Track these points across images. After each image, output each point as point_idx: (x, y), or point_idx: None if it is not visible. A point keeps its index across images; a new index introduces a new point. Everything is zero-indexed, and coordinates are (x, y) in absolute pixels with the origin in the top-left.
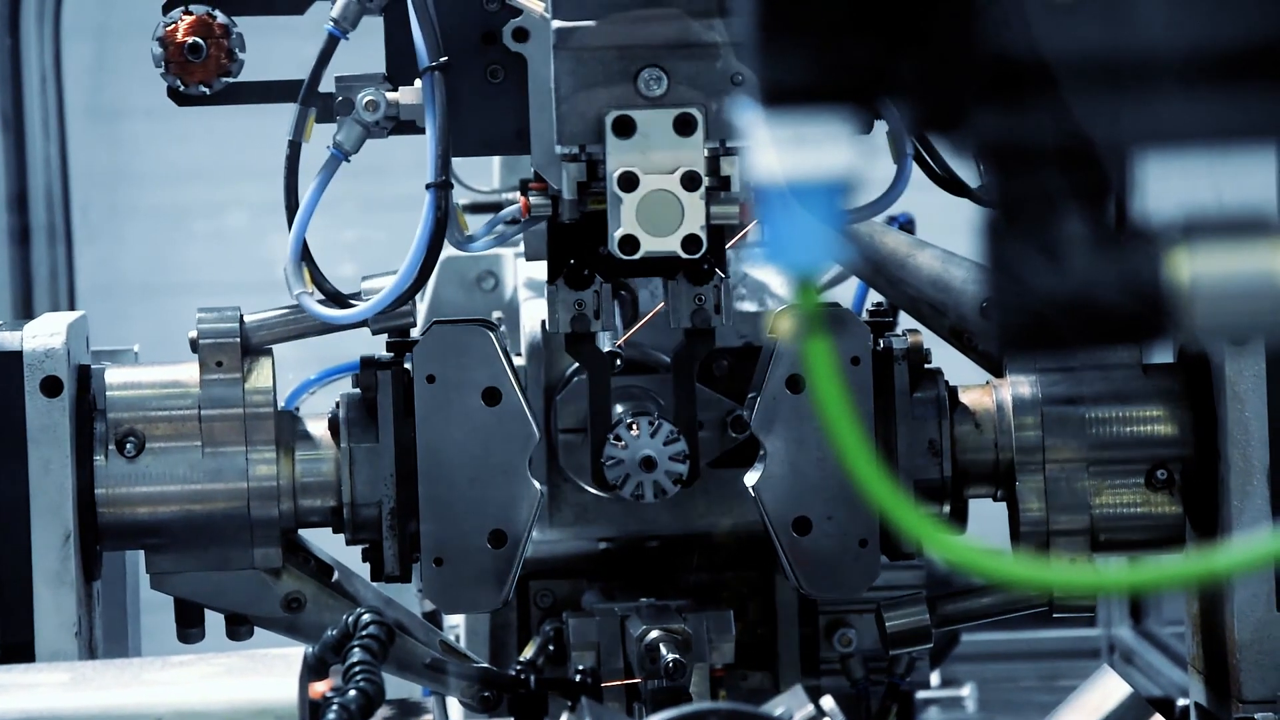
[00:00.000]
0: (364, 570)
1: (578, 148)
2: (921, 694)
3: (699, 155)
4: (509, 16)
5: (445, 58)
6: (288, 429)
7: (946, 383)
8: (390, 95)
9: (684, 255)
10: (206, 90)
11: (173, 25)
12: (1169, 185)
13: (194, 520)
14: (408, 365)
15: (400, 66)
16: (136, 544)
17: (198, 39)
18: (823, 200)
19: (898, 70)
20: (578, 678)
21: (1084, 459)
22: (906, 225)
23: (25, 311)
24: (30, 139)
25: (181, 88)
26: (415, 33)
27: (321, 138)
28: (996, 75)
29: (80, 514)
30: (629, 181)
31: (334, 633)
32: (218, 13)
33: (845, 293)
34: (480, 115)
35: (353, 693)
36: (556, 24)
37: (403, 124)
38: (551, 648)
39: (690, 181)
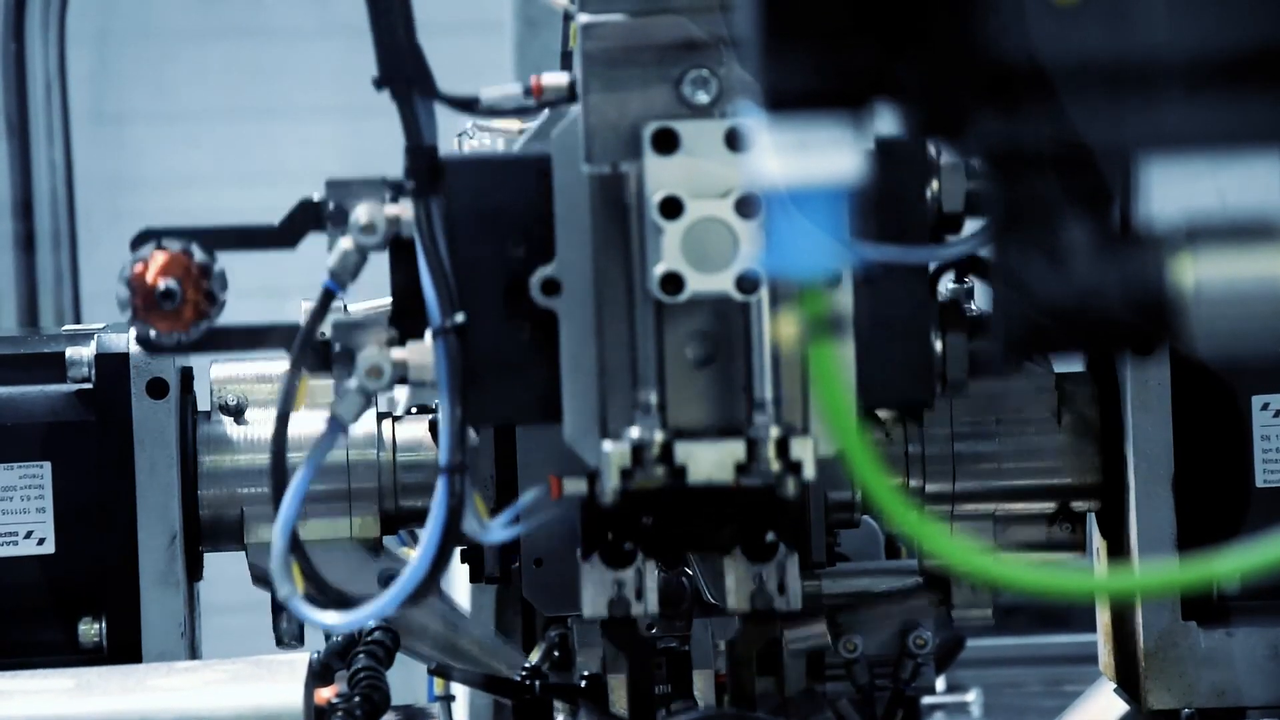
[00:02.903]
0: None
1: (609, 166)
2: (927, 699)
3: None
4: (536, 264)
5: (461, 317)
6: (388, 430)
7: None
8: (396, 354)
9: (738, 296)
10: (182, 338)
11: (141, 265)
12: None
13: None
14: None
15: (408, 313)
16: (239, 544)
17: (171, 283)
18: (826, 206)
19: (900, 75)
20: (583, 683)
21: (990, 509)
22: None
23: (30, 318)
24: (35, 145)
25: (152, 335)
26: (425, 286)
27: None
28: (999, 80)
29: (185, 515)
30: (673, 207)
31: (339, 639)
32: (194, 249)
33: None
34: (502, 380)
35: (358, 699)
36: (584, 18)
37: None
38: (557, 653)
39: (745, 206)
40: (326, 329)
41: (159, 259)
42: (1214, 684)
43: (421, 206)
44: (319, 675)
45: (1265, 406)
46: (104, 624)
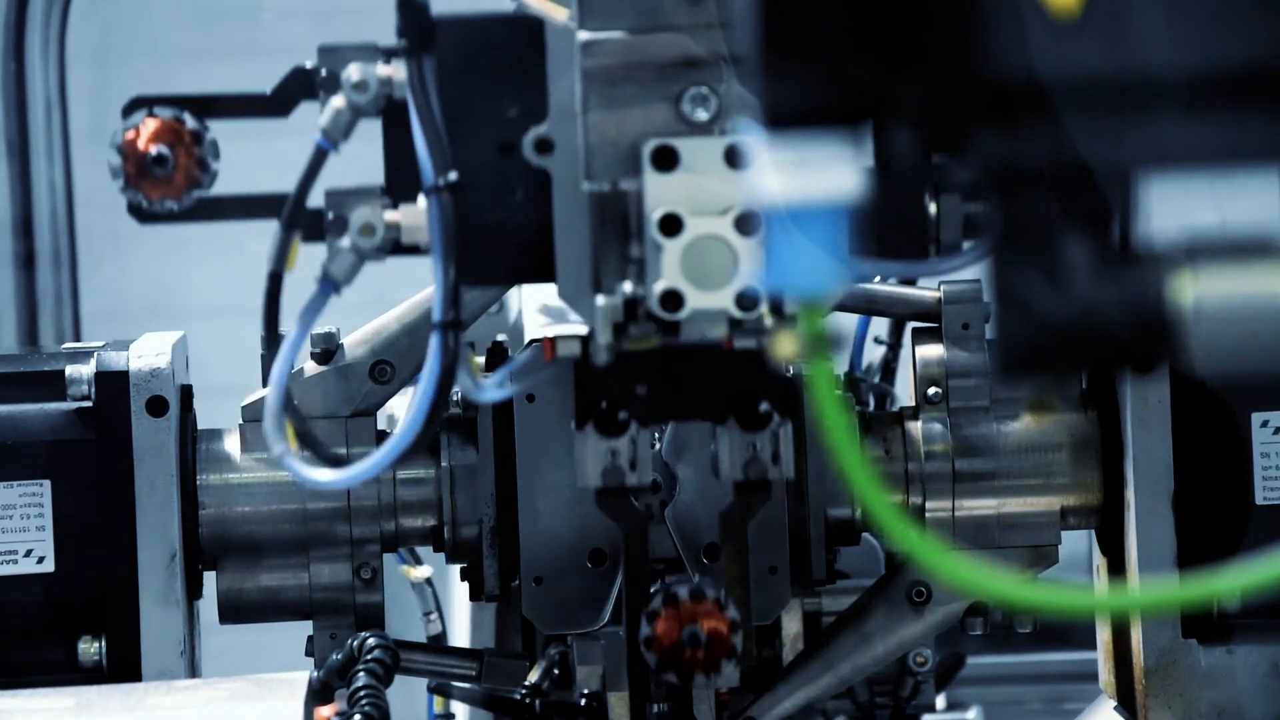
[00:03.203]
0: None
1: (609, 184)
2: (927, 717)
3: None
4: (530, 124)
5: (454, 175)
6: None
7: (859, 409)
8: (389, 215)
9: (738, 313)
10: (174, 207)
11: (133, 132)
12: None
13: (296, 539)
14: None
15: (401, 179)
16: (238, 562)
17: (163, 149)
18: (825, 223)
19: (899, 93)
20: (583, 701)
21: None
22: None
23: (30, 336)
24: (35, 164)
25: (145, 204)
26: (419, 144)
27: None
28: (998, 98)
29: (184, 533)
30: (672, 225)
31: (338, 656)
32: (187, 116)
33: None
34: (496, 239)
35: (358, 717)
36: (583, 36)
37: (404, 246)
38: (557, 671)
39: (745, 224)
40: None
41: (151, 125)
42: (1214, 702)
43: (414, 65)
44: (318, 694)
45: (1265, 424)
46: (104, 643)
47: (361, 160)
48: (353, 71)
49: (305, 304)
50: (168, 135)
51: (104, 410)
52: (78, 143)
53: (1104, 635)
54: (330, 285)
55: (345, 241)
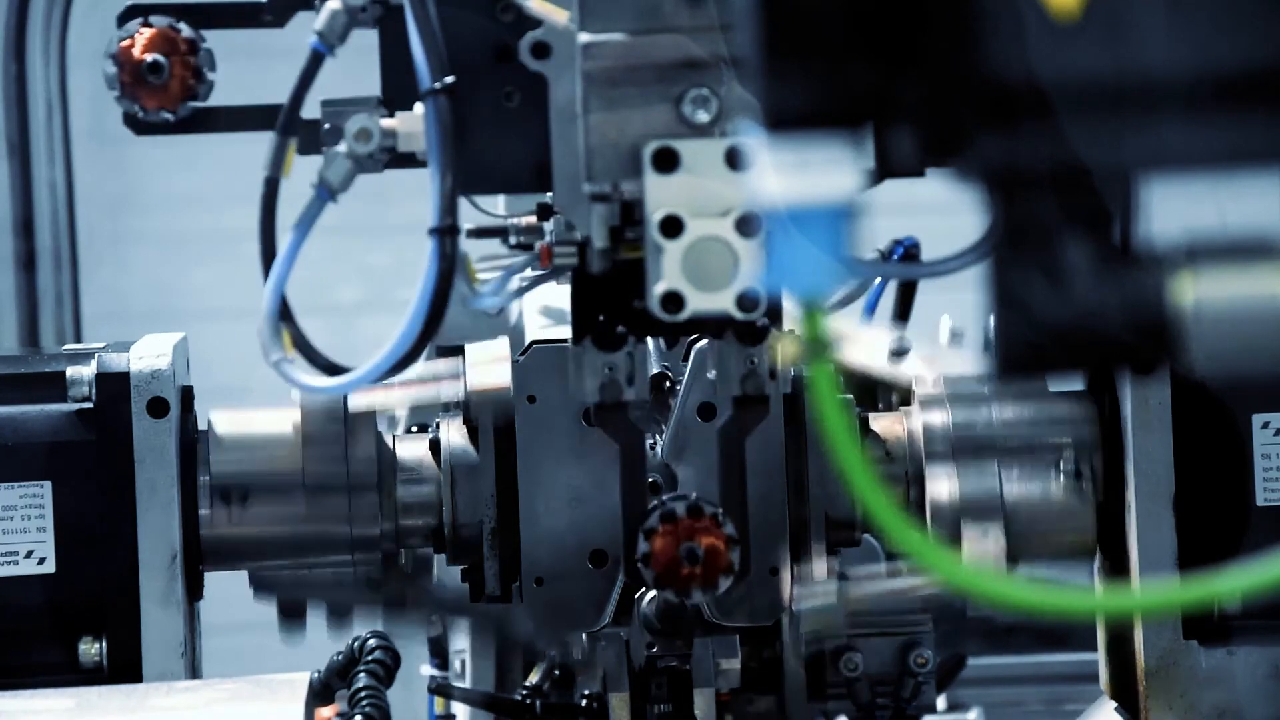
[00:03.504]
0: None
1: (609, 185)
2: (928, 718)
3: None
4: (526, 28)
5: (451, 78)
6: (389, 448)
7: (858, 411)
8: (386, 123)
9: (739, 315)
10: (170, 117)
11: (129, 40)
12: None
13: (295, 540)
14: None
15: (398, 88)
16: (239, 564)
17: (158, 56)
18: (826, 225)
19: (900, 95)
20: (583, 703)
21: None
22: (912, 249)
23: (31, 337)
24: (36, 164)
25: (140, 113)
26: (415, 48)
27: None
28: (998, 100)
29: (185, 534)
30: (673, 226)
31: (339, 657)
32: (182, 25)
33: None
34: (492, 146)
35: (359, 718)
36: (584, 38)
37: (401, 156)
38: (558, 672)
39: (746, 225)
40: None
41: (146, 34)
42: (1215, 703)
43: None
44: (319, 694)
45: (1266, 425)
46: (104, 644)
47: (357, 74)
48: None
49: (301, 211)
50: (162, 43)
51: (105, 411)
52: (78, 143)
53: (1104, 636)
54: (326, 192)
55: (341, 147)
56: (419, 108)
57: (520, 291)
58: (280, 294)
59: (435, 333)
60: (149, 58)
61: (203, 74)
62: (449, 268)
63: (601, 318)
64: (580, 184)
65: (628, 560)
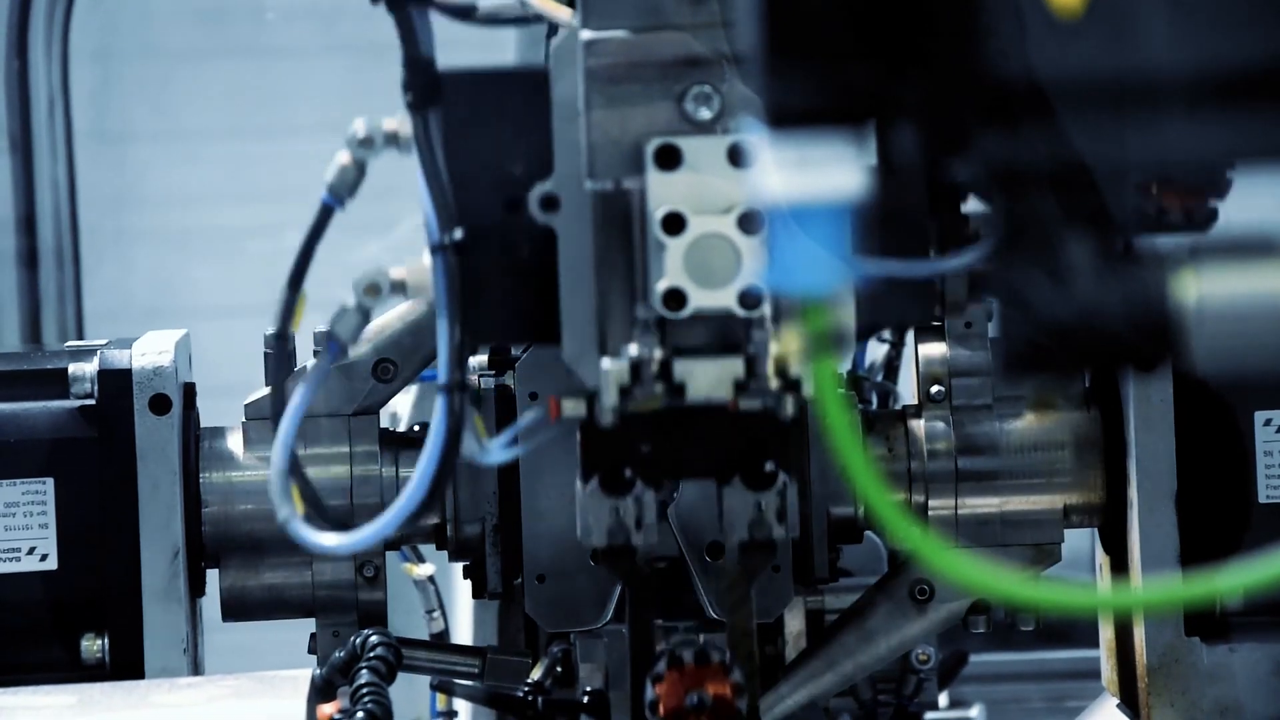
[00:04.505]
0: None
1: (611, 183)
2: (930, 715)
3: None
4: (535, 180)
5: (460, 233)
6: (391, 443)
7: (862, 408)
8: (394, 274)
9: (741, 312)
10: None
11: None
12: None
13: None
14: (509, 382)
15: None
16: (240, 560)
17: None
18: (828, 222)
19: (901, 93)
20: (585, 699)
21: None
22: None
23: (33, 334)
24: (38, 162)
25: None
26: (424, 201)
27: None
28: (1000, 98)
29: (187, 531)
30: (675, 223)
31: (341, 654)
32: None
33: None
34: (500, 299)
35: (360, 715)
36: (586, 35)
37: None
38: (559, 669)
39: (748, 222)
40: None
41: None
42: (1217, 700)
43: (419, 120)
44: (321, 691)
45: (1268, 422)
46: (106, 640)
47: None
48: (358, 127)
49: (311, 367)
50: None
51: (107, 408)
52: (80, 141)
53: (1106, 633)
54: (336, 346)
55: (351, 300)
56: (427, 255)
57: (529, 445)
58: (290, 450)
59: (444, 490)
60: None
61: None
62: (458, 425)
63: (609, 462)
64: (591, 339)
65: (634, 703)
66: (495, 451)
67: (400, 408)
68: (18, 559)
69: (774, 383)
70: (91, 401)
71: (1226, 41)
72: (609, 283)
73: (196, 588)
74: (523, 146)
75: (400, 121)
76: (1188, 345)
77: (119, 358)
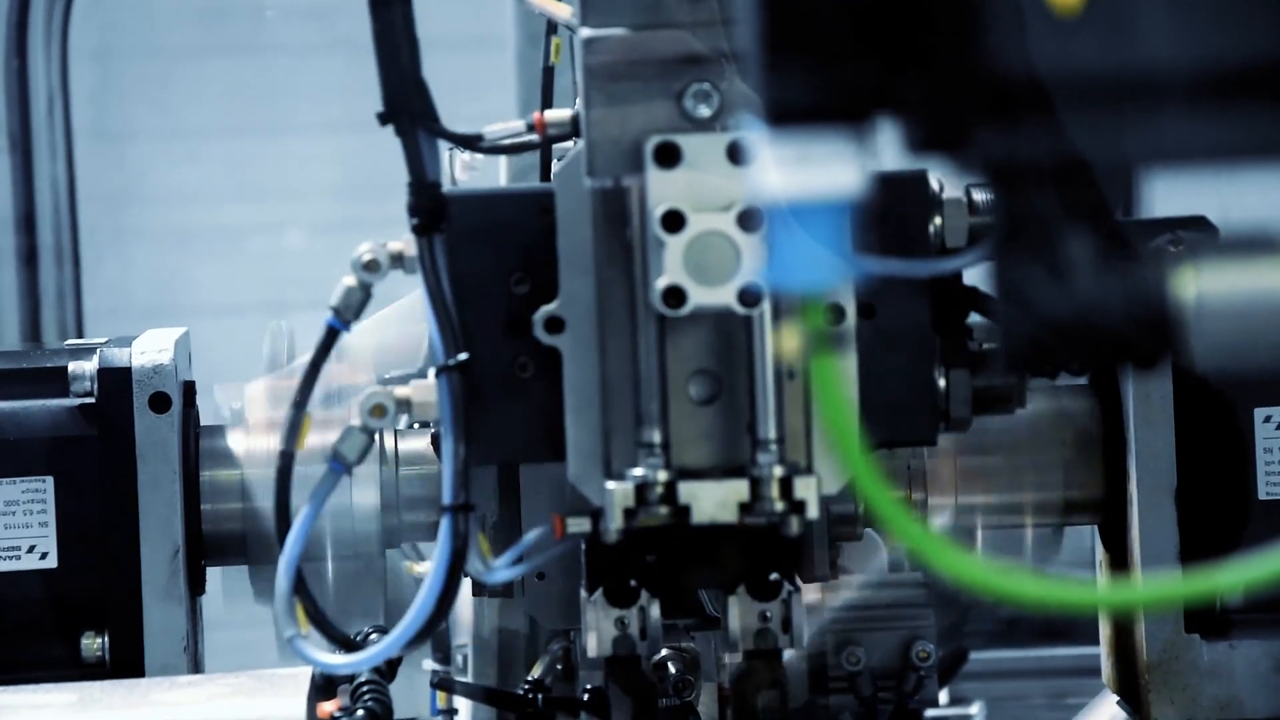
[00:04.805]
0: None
1: (611, 180)
2: (930, 712)
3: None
4: (539, 302)
5: (465, 355)
6: (391, 443)
7: None
8: (399, 392)
9: (740, 309)
10: None
11: None
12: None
13: None
14: None
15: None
16: (241, 558)
17: None
18: (828, 220)
19: (901, 90)
20: (585, 696)
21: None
22: None
23: (33, 333)
24: (37, 160)
25: None
26: (430, 323)
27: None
28: (1000, 95)
29: (187, 529)
30: (675, 221)
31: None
32: None
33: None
34: (504, 418)
35: (361, 713)
36: (586, 32)
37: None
38: (560, 666)
39: (748, 220)
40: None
41: None
42: (1216, 697)
43: (425, 243)
44: (322, 689)
45: (1268, 419)
46: (106, 638)
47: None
48: (363, 250)
49: (316, 485)
50: None
51: (107, 406)
52: (80, 139)
53: (1106, 630)
54: (341, 466)
55: (356, 421)
56: (432, 375)
57: (534, 565)
58: (295, 570)
59: (449, 611)
60: None
61: None
62: (462, 546)
63: (614, 573)
64: (596, 460)
65: None
66: (500, 571)
67: None
68: (18, 557)
69: (779, 505)
70: (91, 400)
71: (1225, 38)
72: (614, 404)
73: (196, 586)
74: (527, 266)
75: (405, 243)
76: (1187, 342)
77: (119, 356)
